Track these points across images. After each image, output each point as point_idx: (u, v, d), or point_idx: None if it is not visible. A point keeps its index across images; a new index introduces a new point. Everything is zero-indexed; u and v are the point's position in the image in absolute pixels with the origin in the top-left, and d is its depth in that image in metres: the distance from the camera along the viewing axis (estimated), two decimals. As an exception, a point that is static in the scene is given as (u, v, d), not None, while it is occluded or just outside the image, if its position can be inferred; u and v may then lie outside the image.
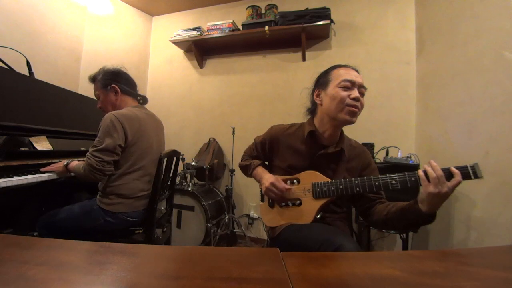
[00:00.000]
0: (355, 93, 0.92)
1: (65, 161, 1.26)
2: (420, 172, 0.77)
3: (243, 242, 2.31)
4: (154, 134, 1.35)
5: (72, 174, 1.25)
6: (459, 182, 0.72)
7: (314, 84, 1.06)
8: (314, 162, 1.00)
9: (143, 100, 1.42)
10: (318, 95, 1.02)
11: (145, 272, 0.42)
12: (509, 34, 1.18)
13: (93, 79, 1.35)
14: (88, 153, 1.14)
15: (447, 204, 1.51)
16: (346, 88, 0.92)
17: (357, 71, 0.97)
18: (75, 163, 1.23)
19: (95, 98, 1.39)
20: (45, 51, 2.05)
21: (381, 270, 0.46)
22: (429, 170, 0.75)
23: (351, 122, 0.95)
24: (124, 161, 1.21)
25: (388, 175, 0.86)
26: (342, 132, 1.04)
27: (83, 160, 1.18)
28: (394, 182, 0.84)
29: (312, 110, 1.07)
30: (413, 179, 0.81)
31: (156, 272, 0.42)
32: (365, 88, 0.96)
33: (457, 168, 0.74)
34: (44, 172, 1.24)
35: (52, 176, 1.25)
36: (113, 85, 1.30)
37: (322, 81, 1.01)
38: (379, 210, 0.95)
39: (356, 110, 0.93)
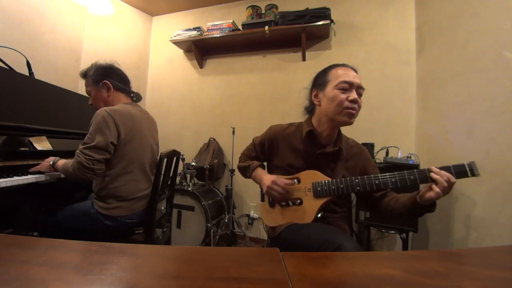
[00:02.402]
0: (353, 95, 0.92)
1: (51, 160, 1.19)
2: (436, 188, 0.78)
3: (243, 242, 2.31)
4: (148, 132, 1.31)
5: (62, 175, 1.20)
6: (454, 182, 0.77)
7: (312, 83, 1.06)
8: (313, 161, 1.00)
9: (136, 97, 1.37)
10: (316, 96, 1.01)
11: (145, 272, 0.42)
12: (509, 34, 1.18)
13: (84, 74, 1.29)
14: (77, 151, 1.08)
15: (447, 204, 1.51)
16: (344, 90, 0.92)
17: (355, 70, 0.97)
18: (62, 161, 1.17)
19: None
20: (45, 51, 2.05)
21: (381, 270, 0.46)
22: (439, 178, 0.77)
23: (349, 124, 0.95)
24: (118, 160, 1.16)
25: (388, 174, 0.87)
26: (339, 132, 1.05)
27: (70, 159, 1.14)
28: (393, 180, 0.85)
29: (310, 110, 1.07)
30: (412, 177, 0.83)
31: (156, 272, 0.42)
32: (363, 89, 0.96)
33: (454, 166, 0.77)
34: (37, 173, 1.21)
35: (52, 176, 1.25)
36: (105, 81, 1.24)
37: (320, 81, 1.00)
38: (384, 206, 0.98)
39: (354, 112, 0.93)
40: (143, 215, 1.27)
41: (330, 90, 0.95)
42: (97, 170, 1.08)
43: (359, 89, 0.94)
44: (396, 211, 0.93)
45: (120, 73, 1.33)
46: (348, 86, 0.92)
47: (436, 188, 0.77)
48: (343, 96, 0.92)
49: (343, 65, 0.99)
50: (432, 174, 0.79)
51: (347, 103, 0.91)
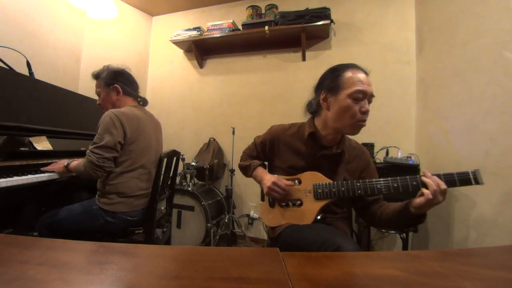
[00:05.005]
0: (366, 106, 0.89)
1: (65, 162, 1.27)
2: (425, 190, 0.76)
3: (243, 242, 2.31)
4: (153, 133, 1.35)
5: (74, 174, 1.26)
6: (444, 189, 0.76)
7: (319, 83, 1.01)
8: (315, 162, 1.00)
9: (143, 102, 1.43)
10: (325, 99, 0.96)
11: (145, 272, 0.42)
12: (509, 34, 1.18)
13: (96, 76, 1.35)
14: (88, 150, 1.15)
15: (447, 204, 1.51)
16: (357, 100, 0.89)
17: (366, 73, 0.94)
18: (75, 162, 1.24)
19: (94, 98, 1.39)
20: (45, 51, 2.05)
21: (381, 270, 0.46)
22: (430, 182, 0.75)
23: (356, 134, 0.95)
24: (123, 159, 1.22)
25: (390, 178, 0.85)
26: (343, 134, 1.03)
27: (83, 159, 1.18)
28: (395, 185, 0.84)
29: (314, 111, 1.03)
30: (414, 183, 0.81)
31: (156, 272, 0.42)
32: (374, 96, 0.93)
33: (458, 173, 0.76)
34: (44, 172, 1.24)
35: (52, 176, 1.25)
36: (115, 85, 1.30)
37: (331, 84, 0.94)
38: (373, 211, 0.97)
39: (365, 124, 0.91)
40: (143, 214, 1.29)
41: (343, 98, 0.89)
42: (106, 168, 1.15)
43: (370, 97, 0.92)
44: (384, 217, 0.91)
45: (131, 78, 1.39)
46: (362, 96, 0.89)
47: (426, 191, 0.75)
48: (356, 107, 0.88)
49: (355, 66, 0.94)
50: (423, 178, 0.78)
51: (359, 116, 0.89)
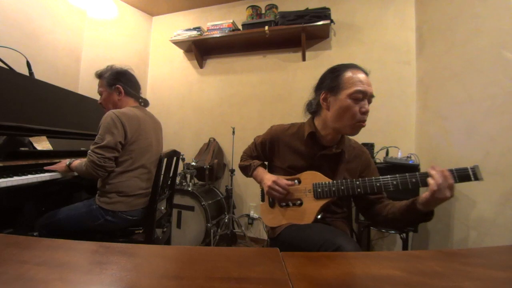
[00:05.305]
0: (366, 106, 0.89)
1: (67, 161, 1.28)
2: (431, 181, 0.74)
3: (243, 242, 2.31)
4: (153, 133, 1.36)
5: (76, 173, 1.27)
6: (451, 183, 0.74)
7: (319, 83, 1.01)
8: (315, 162, 1.00)
9: (144, 103, 1.44)
10: (325, 99, 0.96)
11: (145, 272, 0.42)
12: (509, 34, 1.18)
13: (99, 75, 1.36)
14: (89, 150, 1.16)
15: (447, 204, 1.51)
16: (357, 100, 0.88)
17: (366, 73, 0.94)
18: (77, 162, 1.25)
19: (94, 98, 1.39)
20: (45, 51, 2.05)
21: (381, 270, 0.46)
22: (437, 176, 0.73)
23: (355, 135, 0.95)
24: (124, 159, 1.22)
25: (389, 176, 0.85)
26: (343, 134, 1.03)
27: (84, 158, 1.19)
28: (395, 183, 0.84)
29: (314, 111, 1.03)
30: (414, 180, 0.81)
31: (156, 272, 0.42)
32: (374, 97, 0.92)
33: (457, 170, 0.75)
34: (44, 172, 1.24)
35: (53, 175, 1.25)
36: (118, 85, 1.31)
37: (331, 85, 0.93)
38: (378, 210, 0.96)
39: (364, 124, 0.91)
40: (143, 213, 1.29)
41: (343, 98, 0.89)
42: (108, 168, 1.16)
43: (370, 97, 0.91)
44: (391, 216, 0.90)
45: (133, 79, 1.40)
46: (362, 96, 0.89)
47: (431, 181, 0.73)
48: (356, 108, 0.88)
49: (355, 66, 0.94)
50: (430, 170, 0.76)
51: (359, 116, 0.89)
